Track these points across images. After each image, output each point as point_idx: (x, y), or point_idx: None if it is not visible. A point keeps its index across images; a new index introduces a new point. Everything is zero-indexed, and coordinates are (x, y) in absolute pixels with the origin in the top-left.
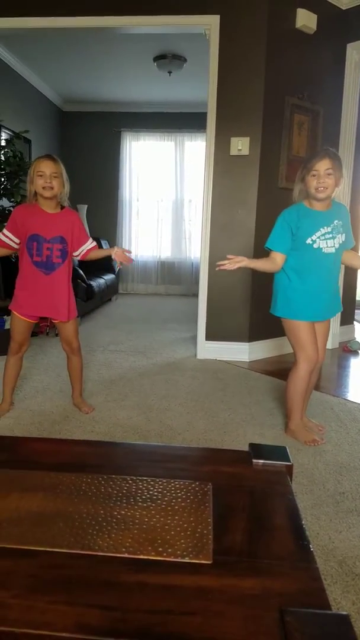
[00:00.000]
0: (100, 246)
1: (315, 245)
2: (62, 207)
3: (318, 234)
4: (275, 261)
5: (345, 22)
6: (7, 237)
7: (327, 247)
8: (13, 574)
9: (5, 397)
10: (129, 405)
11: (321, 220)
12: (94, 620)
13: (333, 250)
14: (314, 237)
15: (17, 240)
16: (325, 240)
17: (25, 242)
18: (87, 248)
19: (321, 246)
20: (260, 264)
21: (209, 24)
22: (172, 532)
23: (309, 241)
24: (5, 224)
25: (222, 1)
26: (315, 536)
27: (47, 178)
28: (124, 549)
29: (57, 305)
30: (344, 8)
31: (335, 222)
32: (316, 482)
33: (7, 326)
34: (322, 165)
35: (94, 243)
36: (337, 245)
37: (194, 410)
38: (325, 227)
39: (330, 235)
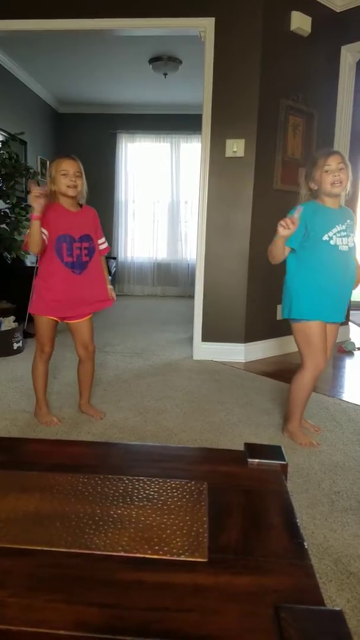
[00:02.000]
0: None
1: (332, 242)
2: (80, 205)
3: (334, 230)
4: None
5: (339, 24)
6: (43, 233)
7: (343, 244)
8: (11, 573)
9: (45, 406)
10: (126, 407)
11: (336, 218)
12: (91, 618)
13: (347, 248)
14: (330, 234)
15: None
16: (341, 238)
17: (54, 244)
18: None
19: (337, 243)
20: (275, 246)
21: (204, 27)
22: (168, 531)
23: (325, 238)
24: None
25: (217, 4)
26: (310, 535)
27: (72, 177)
28: (120, 548)
29: (97, 296)
30: (338, 10)
31: (348, 221)
32: (311, 482)
33: (3, 327)
34: (334, 160)
35: (106, 245)
36: (351, 244)
37: (190, 411)
38: (340, 225)
39: (345, 233)
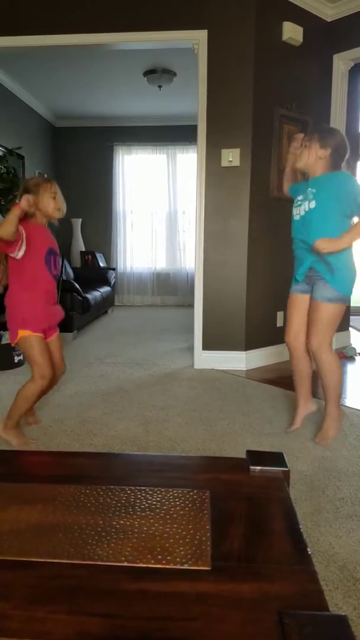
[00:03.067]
0: (94, 260)
1: (294, 217)
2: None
3: (295, 203)
4: None
5: (330, 33)
6: (21, 235)
7: (296, 214)
8: (13, 585)
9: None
10: (127, 417)
11: (300, 189)
12: (94, 629)
13: (298, 217)
14: (294, 209)
15: (24, 248)
16: (297, 208)
17: (43, 257)
18: None
19: (294, 215)
20: None
21: (197, 39)
22: (171, 540)
23: (293, 213)
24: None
25: (209, 16)
26: (315, 542)
27: (59, 200)
28: (123, 558)
29: (59, 309)
30: (329, 20)
31: (310, 189)
32: (315, 489)
33: (3, 341)
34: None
35: None
36: (302, 213)
37: (193, 421)
38: (301, 195)
39: (299, 203)
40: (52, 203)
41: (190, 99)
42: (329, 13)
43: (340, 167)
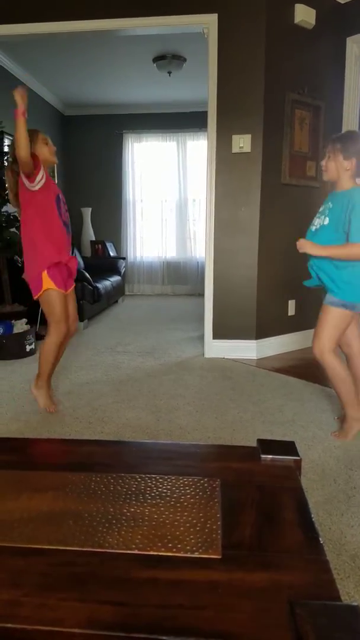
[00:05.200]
0: (104, 249)
1: (312, 228)
2: None
3: (316, 215)
4: None
5: (344, 16)
6: (40, 164)
7: (312, 225)
8: (25, 572)
9: (49, 387)
10: (138, 406)
11: (324, 203)
12: (105, 616)
13: (314, 229)
14: (314, 220)
15: (40, 178)
16: (314, 219)
17: (54, 200)
18: None
19: (310, 227)
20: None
21: (207, 23)
22: (182, 528)
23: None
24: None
25: (220, 0)
26: (327, 531)
27: (52, 145)
28: (134, 546)
29: (75, 260)
30: (342, 2)
31: (329, 203)
32: (327, 478)
33: (15, 330)
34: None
35: None
36: (317, 225)
37: (203, 409)
38: (320, 209)
39: (317, 215)
40: (46, 148)
41: (200, 85)
42: None
43: None
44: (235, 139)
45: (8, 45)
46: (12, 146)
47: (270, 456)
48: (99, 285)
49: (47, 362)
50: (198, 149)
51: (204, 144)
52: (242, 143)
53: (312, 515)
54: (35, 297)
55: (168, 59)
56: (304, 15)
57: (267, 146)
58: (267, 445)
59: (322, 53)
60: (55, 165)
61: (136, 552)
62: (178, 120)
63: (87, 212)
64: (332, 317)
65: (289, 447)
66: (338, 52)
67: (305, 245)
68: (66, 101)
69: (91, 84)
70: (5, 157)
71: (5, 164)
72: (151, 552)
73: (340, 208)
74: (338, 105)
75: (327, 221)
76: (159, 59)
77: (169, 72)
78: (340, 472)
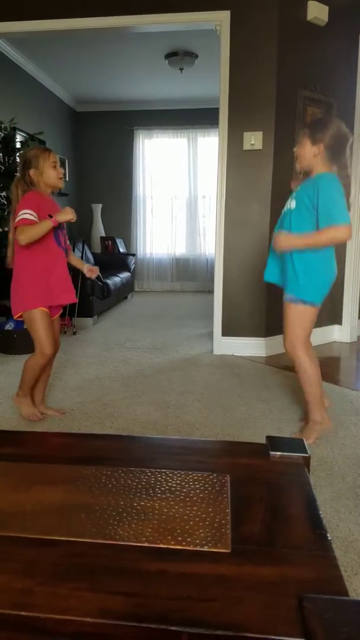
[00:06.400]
0: (114, 245)
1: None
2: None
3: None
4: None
5: (357, 12)
6: (33, 216)
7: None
8: (37, 562)
9: (31, 397)
10: (147, 402)
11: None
12: (116, 606)
13: (282, 213)
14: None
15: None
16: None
17: (52, 231)
18: None
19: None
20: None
21: (220, 20)
22: (191, 522)
23: None
24: (25, 210)
25: None
26: (335, 528)
27: (59, 169)
28: (144, 538)
29: (71, 286)
30: None
31: (299, 187)
32: (335, 475)
33: (7, 327)
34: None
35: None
36: (285, 209)
37: (212, 406)
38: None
39: (287, 201)
40: (53, 173)
41: (211, 81)
42: None
43: (344, 158)
44: (246, 136)
45: (20, 41)
46: (21, 162)
47: (279, 453)
48: (109, 282)
49: (28, 379)
50: (209, 145)
51: (214, 140)
52: (253, 140)
53: (321, 512)
54: (15, 317)
55: (180, 56)
56: (317, 12)
57: (279, 143)
58: (276, 442)
59: (334, 50)
60: (67, 162)
61: (146, 544)
62: (189, 117)
63: (98, 209)
64: (296, 314)
65: (298, 444)
66: (351, 49)
67: (281, 241)
68: (78, 97)
69: (103, 80)
70: (19, 153)
71: (18, 159)
72: (161, 545)
73: (307, 192)
74: (350, 102)
75: (293, 204)
76: (170, 55)
77: (181, 69)
78: (349, 470)
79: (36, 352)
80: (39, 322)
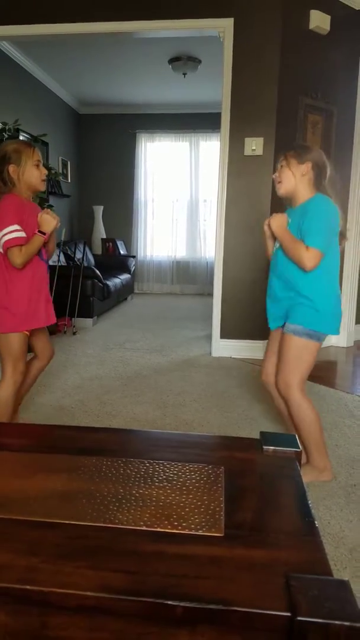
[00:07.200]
0: (115, 247)
1: (277, 245)
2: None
3: None
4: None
5: (358, 22)
6: (22, 232)
7: (276, 246)
8: (41, 543)
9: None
10: (145, 401)
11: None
12: (115, 582)
13: (275, 248)
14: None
15: (11, 230)
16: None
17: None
18: None
19: (277, 246)
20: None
21: (223, 27)
22: (187, 509)
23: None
24: (11, 226)
25: (236, 4)
26: (326, 525)
27: (43, 169)
28: (142, 523)
29: (51, 304)
30: (357, 8)
31: (289, 220)
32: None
33: None
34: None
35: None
36: (277, 245)
37: (209, 406)
38: None
39: None
40: (36, 172)
41: (214, 86)
42: (358, 1)
43: (323, 186)
44: (247, 142)
45: (26, 44)
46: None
47: (272, 447)
48: (109, 283)
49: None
50: (210, 149)
51: (216, 144)
52: (254, 145)
53: (310, 502)
54: None
55: (183, 61)
56: (319, 22)
57: (279, 149)
58: (269, 438)
59: (335, 58)
60: (69, 163)
61: (144, 528)
62: (191, 121)
63: (99, 210)
64: (297, 348)
65: (290, 440)
66: (351, 58)
67: (275, 221)
68: (81, 99)
69: (106, 83)
70: None
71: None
72: (158, 529)
73: (297, 223)
74: (350, 109)
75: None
76: (174, 60)
77: (184, 74)
78: (341, 470)
79: (6, 379)
80: (12, 344)
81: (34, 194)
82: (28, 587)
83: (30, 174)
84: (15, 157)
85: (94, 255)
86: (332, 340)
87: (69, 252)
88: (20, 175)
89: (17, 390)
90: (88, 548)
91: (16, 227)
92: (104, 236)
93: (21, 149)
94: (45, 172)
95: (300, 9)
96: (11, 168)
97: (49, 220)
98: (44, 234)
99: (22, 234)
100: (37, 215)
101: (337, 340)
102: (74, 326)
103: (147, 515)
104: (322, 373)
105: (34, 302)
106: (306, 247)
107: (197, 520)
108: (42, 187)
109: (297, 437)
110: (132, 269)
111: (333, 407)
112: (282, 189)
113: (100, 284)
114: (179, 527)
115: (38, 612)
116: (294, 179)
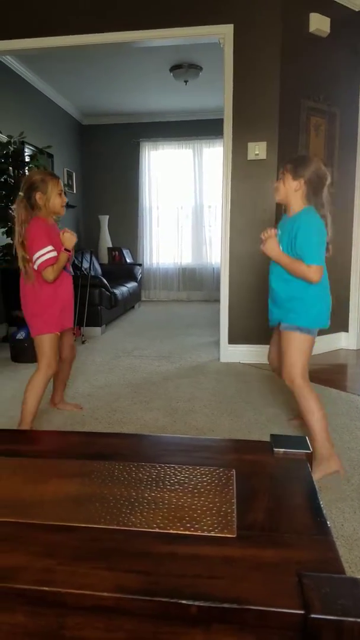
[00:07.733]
0: (121, 256)
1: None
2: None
3: None
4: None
5: (358, 24)
6: (54, 252)
7: None
8: (57, 546)
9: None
10: (155, 408)
11: (281, 227)
12: (130, 583)
13: None
14: None
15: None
16: None
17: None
18: None
19: None
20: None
21: (223, 34)
22: (199, 511)
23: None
24: (44, 248)
25: (235, 10)
26: (339, 527)
27: (64, 197)
28: (155, 525)
29: (72, 310)
30: (357, 10)
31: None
32: (340, 478)
33: (18, 336)
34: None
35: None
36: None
37: (219, 412)
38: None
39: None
40: (59, 200)
41: (216, 92)
42: (357, 2)
43: (321, 198)
44: (250, 146)
45: (28, 57)
46: (27, 184)
47: (283, 449)
48: (116, 291)
49: (31, 405)
50: (214, 155)
51: (219, 150)
52: (257, 150)
53: (321, 502)
54: (33, 336)
55: (184, 68)
56: (319, 24)
57: (283, 153)
58: (280, 440)
59: (337, 60)
60: (74, 174)
61: (157, 530)
62: (194, 128)
63: (105, 220)
64: (295, 342)
65: (300, 442)
66: (352, 60)
67: (269, 247)
68: (84, 110)
69: (108, 93)
70: (27, 167)
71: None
72: (171, 531)
73: (288, 234)
74: (353, 111)
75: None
76: (175, 68)
77: (186, 81)
78: (354, 473)
79: (41, 372)
80: (47, 344)
81: (55, 217)
82: (45, 588)
83: (55, 202)
84: (42, 186)
85: (101, 265)
86: (341, 342)
87: (76, 262)
88: (46, 202)
89: (48, 381)
90: (103, 550)
91: (50, 248)
92: (110, 245)
93: (47, 179)
94: (66, 200)
95: (300, 12)
96: (38, 195)
97: (70, 238)
98: (69, 251)
99: (55, 254)
100: (56, 234)
101: (347, 343)
102: (82, 335)
103: (160, 517)
104: (333, 376)
105: (58, 308)
106: (307, 266)
107: (209, 521)
108: (63, 212)
109: (307, 439)
110: (139, 277)
111: (344, 409)
112: (277, 198)
113: (108, 293)
114: (192, 529)
115: (55, 612)
116: (286, 191)
